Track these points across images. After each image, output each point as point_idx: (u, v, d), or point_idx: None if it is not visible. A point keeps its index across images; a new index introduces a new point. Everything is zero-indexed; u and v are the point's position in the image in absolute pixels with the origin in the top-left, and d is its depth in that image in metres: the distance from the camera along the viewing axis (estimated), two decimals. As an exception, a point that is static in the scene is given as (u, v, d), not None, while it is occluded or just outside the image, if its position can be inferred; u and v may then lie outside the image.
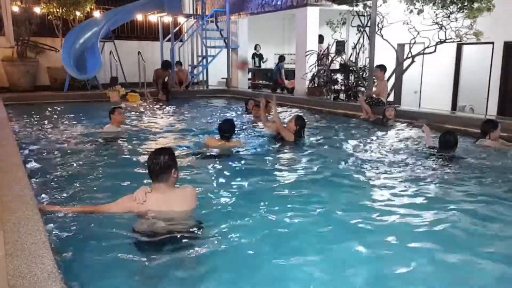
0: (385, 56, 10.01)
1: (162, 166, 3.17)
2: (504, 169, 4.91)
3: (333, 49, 10.99)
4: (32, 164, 4.87)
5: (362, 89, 10.21)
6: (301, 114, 7.44)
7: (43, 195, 3.81)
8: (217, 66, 14.46)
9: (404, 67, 10.00)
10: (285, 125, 6.43)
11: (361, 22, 10.43)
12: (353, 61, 10.57)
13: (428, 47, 9.19)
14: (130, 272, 2.67)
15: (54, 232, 2.97)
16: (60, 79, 12.36)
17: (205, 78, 14.51)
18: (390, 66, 9.30)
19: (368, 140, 6.66)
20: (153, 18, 14.40)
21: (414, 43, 9.36)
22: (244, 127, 7.53)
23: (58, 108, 9.92)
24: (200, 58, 14.77)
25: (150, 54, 14.32)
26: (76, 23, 12.55)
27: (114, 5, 14.36)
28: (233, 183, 4.42)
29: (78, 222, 3.23)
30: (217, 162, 5.22)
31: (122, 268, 2.69)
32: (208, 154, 5.55)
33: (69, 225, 3.17)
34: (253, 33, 15.34)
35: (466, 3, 8.28)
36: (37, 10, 12.50)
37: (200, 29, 14.16)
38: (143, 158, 5.27)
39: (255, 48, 16.13)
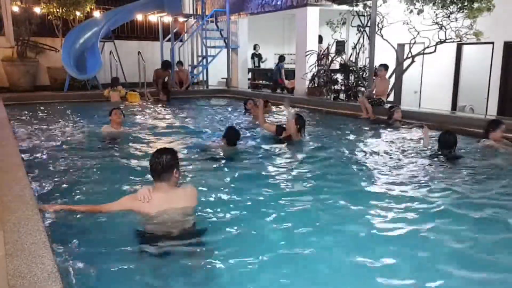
0: (385, 56, 10.01)
1: (164, 165, 3.18)
2: (501, 169, 4.92)
3: (333, 49, 10.99)
4: (32, 164, 4.88)
5: (362, 89, 10.21)
6: (301, 112, 7.42)
7: (43, 195, 3.81)
8: (217, 66, 14.46)
9: (404, 67, 10.00)
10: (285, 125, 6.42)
11: (361, 22, 10.43)
12: (353, 61, 10.57)
13: (428, 47, 9.19)
14: (131, 272, 2.67)
15: (54, 232, 2.97)
16: (60, 79, 12.36)
17: (205, 78, 14.51)
18: (390, 66, 9.30)
19: (369, 140, 6.66)
20: (153, 18, 14.40)
21: (414, 43, 9.36)
22: (244, 127, 7.53)
23: (58, 108, 9.92)
24: (200, 58, 14.77)
25: (150, 54, 14.32)
26: (76, 23, 12.55)
27: (114, 5, 14.36)
28: (233, 183, 4.42)
29: (78, 222, 3.23)
30: (218, 162, 5.22)
31: (123, 268, 2.69)
32: (208, 154, 5.55)
33: (69, 225, 3.17)
34: (253, 33, 15.34)
35: (466, 3, 8.29)
36: (37, 10, 12.50)
37: (200, 29, 14.17)
38: (143, 158, 5.28)
39: (254, 48, 16.13)
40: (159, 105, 10.82)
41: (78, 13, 12.43)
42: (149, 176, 3.39)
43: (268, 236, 3.19)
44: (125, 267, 2.70)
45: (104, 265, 2.70)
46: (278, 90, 13.82)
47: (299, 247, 3.04)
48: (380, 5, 9.55)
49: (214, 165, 5.07)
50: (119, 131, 6.75)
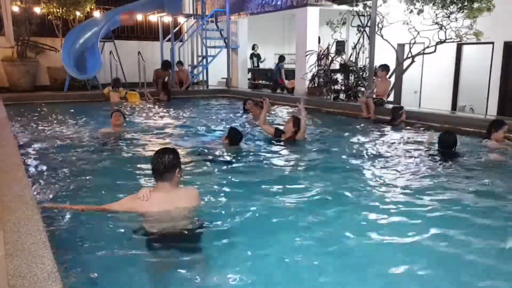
0: (385, 56, 10.01)
1: (166, 165, 3.18)
2: (502, 169, 4.92)
3: (333, 49, 10.99)
4: (32, 164, 4.87)
5: (362, 89, 10.21)
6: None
7: (43, 195, 3.81)
8: (217, 66, 14.45)
9: (404, 67, 10.00)
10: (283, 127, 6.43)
11: (361, 22, 10.43)
12: (353, 61, 10.57)
13: (428, 47, 9.19)
14: (131, 272, 2.67)
15: (54, 232, 2.97)
16: (60, 79, 12.36)
17: (205, 78, 14.51)
18: (390, 66, 9.30)
19: (370, 140, 6.65)
20: (153, 18, 14.40)
21: (414, 43, 9.36)
22: (244, 127, 7.53)
23: (58, 108, 9.91)
24: (200, 58, 14.77)
25: (150, 54, 14.31)
26: (76, 23, 12.54)
27: (114, 5, 14.35)
28: (235, 183, 4.42)
29: (78, 222, 3.23)
30: (220, 162, 5.23)
31: (123, 268, 2.69)
32: (210, 154, 5.55)
33: (69, 225, 3.17)
34: (253, 33, 15.34)
35: (466, 3, 8.29)
36: (37, 10, 12.49)
37: (200, 29, 14.17)
38: (143, 158, 5.29)
39: (253, 48, 16.11)
40: (159, 105, 10.82)
41: (78, 13, 12.42)
42: (149, 175, 3.39)
43: (270, 236, 3.19)
44: (125, 267, 2.70)
45: (104, 265, 2.71)
46: (278, 90, 13.82)
47: (299, 245, 3.04)
48: (380, 5, 9.55)
49: (216, 165, 5.06)
50: (119, 132, 6.77)
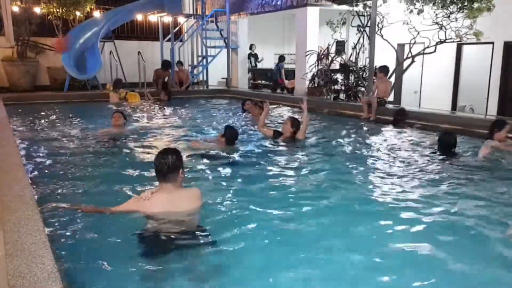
0: (385, 56, 10.01)
1: (170, 166, 3.19)
2: (502, 170, 4.92)
3: (333, 49, 10.99)
4: (32, 164, 4.87)
5: (362, 89, 10.21)
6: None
7: (43, 195, 3.81)
8: (217, 66, 14.45)
9: (404, 67, 10.00)
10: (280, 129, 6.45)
11: (361, 22, 10.43)
12: (353, 61, 10.57)
13: (428, 47, 9.19)
14: (132, 272, 2.66)
15: (54, 232, 2.97)
16: (60, 79, 12.35)
17: (205, 78, 14.51)
18: (390, 66, 9.30)
19: (370, 140, 6.66)
20: (153, 18, 14.40)
21: (414, 43, 9.36)
22: (243, 127, 7.53)
23: (58, 108, 9.91)
24: (200, 58, 14.77)
25: (150, 54, 14.31)
26: (76, 23, 12.54)
27: (114, 5, 14.35)
28: (233, 182, 4.43)
29: (79, 222, 3.23)
30: (217, 161, 5.23)
31: (123, 268, 2.69)
32: (208, 153, 5.55)
33: (69, 225, 3.16)
34: (253, 33, 15.34)
35: (466, 3, 8.29)
36: (37, 10, 12.49)
37: (200, 29, 14.16)
38: (144, 159, 5.29)
39: (250, 48, 16.05)
40: (159, 105, 10.81)
41: (78, 13, 12.42)
42: (149, 175, 3.38)
43: (270, 236, 3.19)
44: (126, 267, 2.70)
45: (105, 265, 2.70)
46: (278, 90, 13.82)
47: (300, 245, 3.04)
48: (380, 5, 9.55)
49: (214, 164, 5.06)
50: (120, 132, 6.77)
